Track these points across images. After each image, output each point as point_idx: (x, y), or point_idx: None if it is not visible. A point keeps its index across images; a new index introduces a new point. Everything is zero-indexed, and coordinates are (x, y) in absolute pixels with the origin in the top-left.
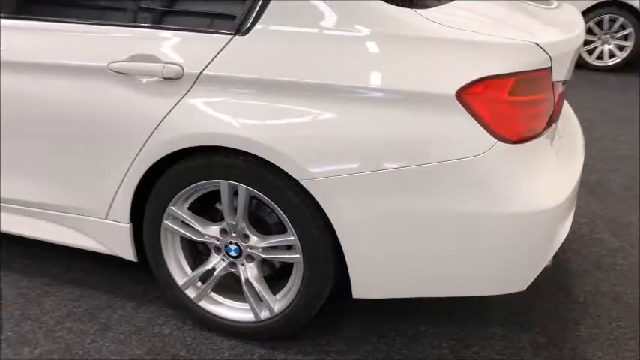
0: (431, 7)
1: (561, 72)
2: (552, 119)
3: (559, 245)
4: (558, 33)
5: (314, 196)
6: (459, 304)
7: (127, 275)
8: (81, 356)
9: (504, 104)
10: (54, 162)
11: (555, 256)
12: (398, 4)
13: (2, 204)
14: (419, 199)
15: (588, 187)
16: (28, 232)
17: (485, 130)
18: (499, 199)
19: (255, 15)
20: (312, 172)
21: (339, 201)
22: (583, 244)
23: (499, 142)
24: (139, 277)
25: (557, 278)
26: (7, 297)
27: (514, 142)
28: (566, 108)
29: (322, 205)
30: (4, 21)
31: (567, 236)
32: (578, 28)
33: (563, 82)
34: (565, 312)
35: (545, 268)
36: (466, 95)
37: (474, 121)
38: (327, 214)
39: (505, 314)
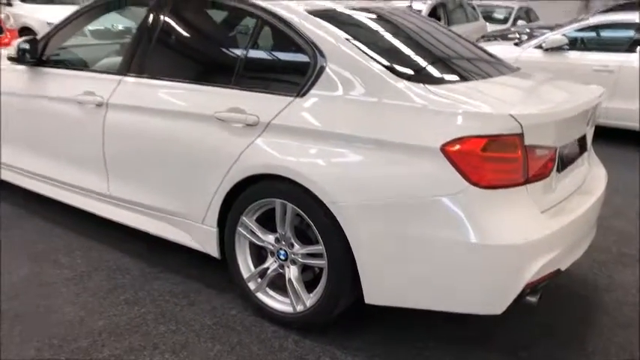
0: (469, 81)
1: (545, 138)
2: (535, 176)
3: (529, 278)
4: (543, 106)
5: (335, 215)
6: (471, 334)
7: (218, 272)
8: (169, 317)
9: (477, 158)
10: (172, 179)
11: (541, 295)
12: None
13: (134, 206)
14: (409, 225)
15: None
16: (148, 229)
17: (461, 176)
18: (469, 231)
19: (310, 84)
20: (336, 198)
21: (354, 221)
22: (620, 310)
23: (472, 186)
24: (227, 275)
25: (576, 328)
26: (135, 275)
27: (484, 187)
28: (596, 173)
29: (341, 224)
30: (145, 79)
31: (606, 301)
32: (569, 104)
33: (559, 148)
34: (568, 354)
35: (530, 304)
36: (448, 149)
37: (453, 168)
38: (344, 229)
39: (510, 347)
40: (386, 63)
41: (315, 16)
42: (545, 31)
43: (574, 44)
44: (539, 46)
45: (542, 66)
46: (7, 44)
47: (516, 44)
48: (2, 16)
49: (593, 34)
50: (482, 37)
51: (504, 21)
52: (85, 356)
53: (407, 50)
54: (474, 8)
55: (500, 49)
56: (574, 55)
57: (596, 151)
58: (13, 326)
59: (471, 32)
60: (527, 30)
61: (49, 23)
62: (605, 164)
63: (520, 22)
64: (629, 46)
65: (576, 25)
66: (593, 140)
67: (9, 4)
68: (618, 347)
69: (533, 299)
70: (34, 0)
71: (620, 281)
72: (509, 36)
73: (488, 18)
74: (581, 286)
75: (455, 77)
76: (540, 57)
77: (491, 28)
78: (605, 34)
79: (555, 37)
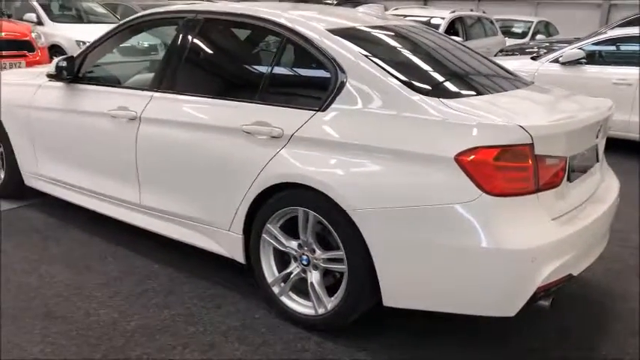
0: (483, 95)
1: (555, 148)
2: (546, 184)
3: (540, 282)
4: (553, 118)
5: (355, 222)
6: (488, 337)
7: (243, 278)
8: (197, 319)
9: (490, 167)
10: (201, 189)
11: (554, 299)
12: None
13: (164, 215)
14: (425, 231)
15: None
16: (177, 236)
17: (474, 184)
18: (482, 237)
19: (331, 99)
20: (356, 206)
21: (373, 227)
22: (634, 318)
23: (484, 194)
24: (251, 281)
25: (590, 334)
26: (164, 280)
27: (497, 195)
28: (609, 184)
29: (360, 229)
30: (176, 95)
31: (621, 309)
32: (579, 116)
33: (569, 158)
34: (582, 358)
35: (543, 308)
36: (461, 158)
37: (466, 177)
38: (363, 235)
39: (526, 350)
40: (403, 78)
41: (335, 34)
42: (563, 45)
43: (592, 58)
44: (557, 60)
45: (560, 80)
46: (39, 62)
47: (534, 58)
48: (34, 34)
49: (610, 47)
50: (501, 51)
51: (523, 35)
52: (120, 354)
53: (423, 66)
54: (492, 23)
55: (518, 64)
56: (592, 69)
57: (616, 164)
58: (53, 326)
59: (490, 47)
60: (546, 44)
61: (77, 41)
62: (625, 178)
63: (539, 37)
64: None
65: (593, 39)
66: (613, 152)
67: (40, 24)
68: (631, 353)
69: (545, 303)
70: (63, 20)
71: (634, 291)
72: (528, 50)
73: (508, 32)
74: (596, 294)
75: (469, 91)
76: (558, 71)
77: (510, 42)
78: (623, 47)
79: (572, 51)
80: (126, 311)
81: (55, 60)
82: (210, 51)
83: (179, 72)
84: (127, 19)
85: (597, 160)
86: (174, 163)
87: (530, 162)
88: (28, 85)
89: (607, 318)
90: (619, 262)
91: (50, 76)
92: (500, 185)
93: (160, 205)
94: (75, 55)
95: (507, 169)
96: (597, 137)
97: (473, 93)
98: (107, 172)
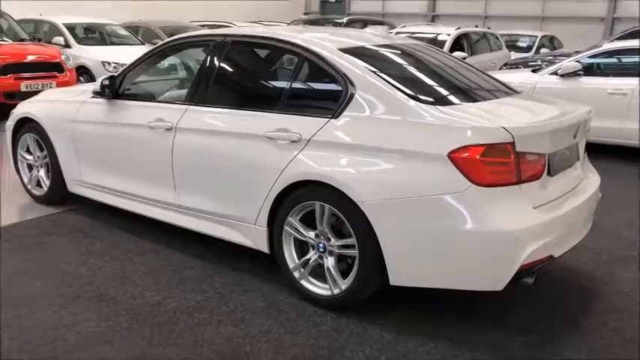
0: (475, 102)
1: (535, 146)
2: (528, 177)
3: (523, 260)
4: (533, 120)
5: (364, 212)
6: (483, 317)
7: (266, 267)
8: (228, 301)
9: (477, 162)
10: (231, 188)
11: (537, 277)
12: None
13: (197, 213)
14: (424, 218)
15: None
16: (209, 231)
17: (464, 177)
18: (470, 221)
19: (342, 108)
20: (365, 198)
21: (380, 217)
22: (615, 299)
23: (473, 185)
24: (273, 268)
25: (574, 312)
26: (197, 271)
27: (484, 186)
28: (590, 179)
29: (370, 219)
30: (207, 107)
31: (604, 291)
32: (557, 119)
33: (549, 155)
34: (567, 332)
35: (526, 285)
36: (453, 155)
37: (458, 171)
38: (372, 224)
39: (519, 327)
40: (404, 89)
41: (346, 52)
42: (563, 58)
43: (589, 70)
44: (556, 73)
45: (559, 91)
46: (68, 82)
47: (534, 71)
48: (63, 57)
49: (606, 59)
50: (505, 64)
51: (528, 49)
52: (165, 328)
53: (422, 78)
54: (497, 38)
55: (519, 76)
56: (588, 80)
57: (614, 168)
58: (106, 306)
59: (494, 61)
60: (549, 57)
61: (103, 62)
62: (622, 180)
63: (543, 50)
64: None
65: (590, 52)
66: (612, 156)
67: (67, 46)
68: (611, 327)
69: (529, 280)
70: (88, 42)
71: (619, 277)
72: (531, 63)
73: (514, 47)
74: (585, 280)
75: (461, 99)
76: (557, 83)
77: (515, 56)
78: (618, 59)
79: (570, 63)
80: (166, 295)
81: (100, 79)
82: (237, 68)
83: (210, 87)
84: (162, 42)
85: (578, 159)
86: (207, 166)
87: (512, 157)
88: (72, 102)
89: (593, 299)
90: (607, 254)
91: (95, 93)
92: (487, 177)
93: (194, 204)
94: (116, 75)
95: (492, 164)
96: (575, 138)
97: (464, 101)
98: (146, 177)
